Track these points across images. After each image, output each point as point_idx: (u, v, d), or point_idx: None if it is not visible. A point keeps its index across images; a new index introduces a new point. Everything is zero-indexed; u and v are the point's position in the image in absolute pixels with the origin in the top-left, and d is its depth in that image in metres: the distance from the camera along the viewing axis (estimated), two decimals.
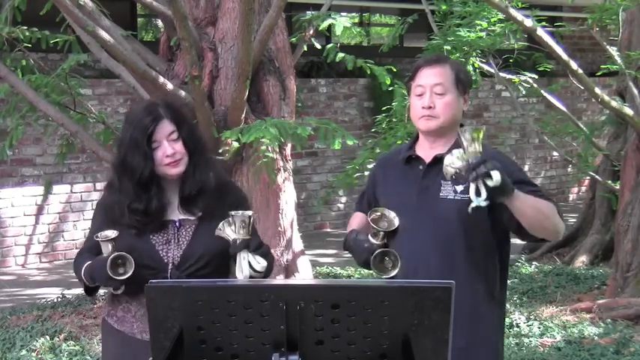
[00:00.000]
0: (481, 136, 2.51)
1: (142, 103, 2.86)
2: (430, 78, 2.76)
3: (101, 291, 6.62)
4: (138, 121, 2.74)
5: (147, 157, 2.69)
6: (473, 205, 2.51)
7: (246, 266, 2.61)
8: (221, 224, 2.64)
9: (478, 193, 2.48)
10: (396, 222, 2.74)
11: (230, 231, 2.62)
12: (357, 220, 3.00)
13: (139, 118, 2.75)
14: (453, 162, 2.53)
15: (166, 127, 2.72)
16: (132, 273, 2.64)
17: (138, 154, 2.69)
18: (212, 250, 2.73)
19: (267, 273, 2.74)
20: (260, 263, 2.62)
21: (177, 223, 2.77)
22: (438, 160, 2.77)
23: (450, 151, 2.78)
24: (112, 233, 2.65)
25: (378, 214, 2.74)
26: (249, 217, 2.61)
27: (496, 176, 2.45)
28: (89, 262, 2.73)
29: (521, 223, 2.63)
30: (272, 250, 5.12)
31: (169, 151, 2.71)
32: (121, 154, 2.76)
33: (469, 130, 2.51)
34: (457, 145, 2.80)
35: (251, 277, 2.62)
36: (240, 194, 2.95)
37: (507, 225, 2.71)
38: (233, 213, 2.62)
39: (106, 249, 2.65)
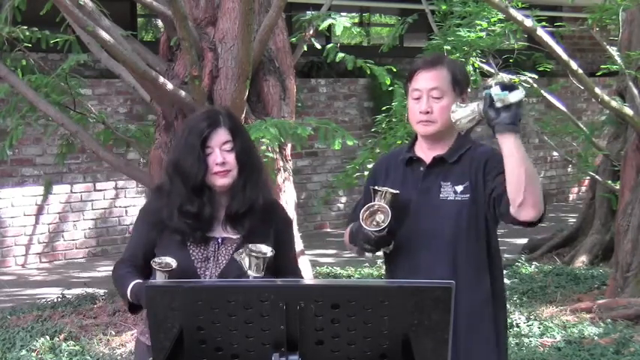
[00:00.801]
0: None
1: (203, 109, 2.80)
2: (427, 82, 2.74)
3: (100, 291, 6.63)
4: (195, 124, 2.70)
5: (200, 160, 2.64)
6: (496, 93, 2.51)
7: None
8: (241, 252, 2.58)
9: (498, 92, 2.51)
10: (390, 193, 2.66)
11: (247, 263, 2.57)
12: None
13: (197, 121, 2.71)
14: (464, 113, 2.58)
15: (222, 136, 2.66)
16: None
17: (192, 158, 2.64)
18: None
19: None
20: None
21: (219, 241, 2.70)
22: (438, 161, 2.77)
23: (450, 151, 2.79)
24: (172, 263, 2.57)
25: (367, 212, 2.65)
26: (264, 257, 2.55)
27: (520, 93, 2.50)
28: (138, 281, 2.64)
29: (507, 177, 2.56)
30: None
31: (219, 159, 2.64)
32: (175, 157, 2.71)
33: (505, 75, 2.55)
34: (457, 145, 2.80)
35: None
36: (285, 217, 2.87)
37: (496, 204, 2.65)
38: (250, 247, 2.56)
39: (161, 277, 2.56)
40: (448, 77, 2.76)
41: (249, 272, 2.55)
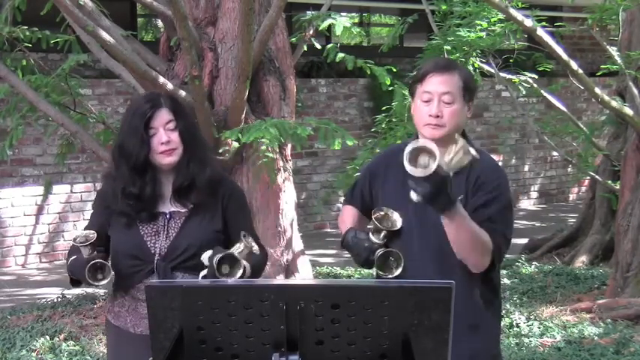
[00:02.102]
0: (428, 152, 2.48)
1: (144, 93, 2.90)
2: (439, 86, 2.73)
3: (100, 291, 6.61)
4: (137, 107, 2.80)
5: (143, 141, 2.73)
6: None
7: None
8: (205, 255, 2.65)
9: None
10: (399, 223, 2.73)
11: (205, 259, 2.65)
12: (348, 214, 2.97)
13: (139, 104, 2.80)
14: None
15: (164, 116, 2.76)
16: (115, 270, 2.66)
17: (135, 139, 2.73)
18: (199, 242, 2.75)
19: (255, 270, 2.76)
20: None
21: (167, 215, 2.80)
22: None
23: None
24: (90, 234, 2.66)
25: (382, 213, 2.73)
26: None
27: (414, 197, 2.46)
28: (74, 256, 2.76)
29: (453, 246, 2.62)
30: (272, 250, 5.16)
31: (164, 138, 2.74)
32: (119, 139, 2.81)
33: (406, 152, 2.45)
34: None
35: None
36: (234, 190, 2.94)
37: None
38: (213, 257, 2.61)
39: (85, 252, 2.66)
40: (460, 83, 2.75)
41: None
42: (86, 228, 2.88)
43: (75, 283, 2.83)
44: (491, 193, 2.69)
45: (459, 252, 2.64)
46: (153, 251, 2.76)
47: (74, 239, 2.68)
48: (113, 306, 2.89)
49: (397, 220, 2.73)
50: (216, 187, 2.83)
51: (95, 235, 2.66)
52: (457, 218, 2.54)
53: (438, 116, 2.72)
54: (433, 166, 2.39)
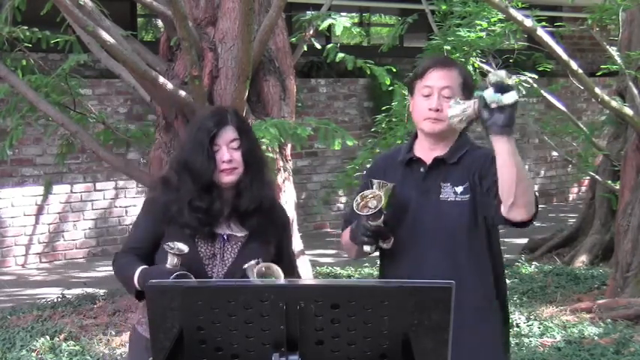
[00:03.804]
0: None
1: (211, 108, 2.84)
2: (439, 80, 2.75)
3: (100, 291, 6.61)
4: (203, 122, 2.74)
5: (210, 158, 2.67)
6: (489, 98, 2.46)
7: None
8: (252, 263, 2.61)
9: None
10: (389, 184, 2.68)
11: (251, 276, 2.60)
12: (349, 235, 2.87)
13: (205, 120, 2.74)
14: (458, 106, 2.56)
15: (229, 134, 2.70)
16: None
17: (202, 155, 2.67)
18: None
19: None
20: None
21: (224, 237, 2.73)
22: (438, 162, 2.77)
23: (450, 152, 2.79)
24: (184, 248, 2.59)
25: (361, 201, 2.66)
26: (271, 276, 2.58)
27: (513, 77, 2.46)
28: (144, 266, 2.66)
29: (500, 178, 2.54)
30: None
31: (227, 157, 2.68)
32: (184, 153, 2.74)
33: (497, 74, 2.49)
34: (457, 146, 2.80)
35: None
36: (285, 216, 2.91)
37: (491, 206, 2.65)
38: (260, 266, 2.59)
39: (172, 261, 2.58)
40: (459, 79, 2.77)
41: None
42: (135, 234, 2.81)
43: (141, 295, 2.67)
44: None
45: (513, 188, 2.52)
46: (210, 275, 2.69)
47: (167, 245, 2.58)
48: (145, 317, 2.81)
49: (382, 187, 2.67)
50: (272, 213, 2.77)
51: (188, 249, 2.59)
52: (513, 141, 2.51)
53: (437, 110, 2.73)
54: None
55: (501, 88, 2.46)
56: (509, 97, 2.46)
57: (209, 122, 2.71)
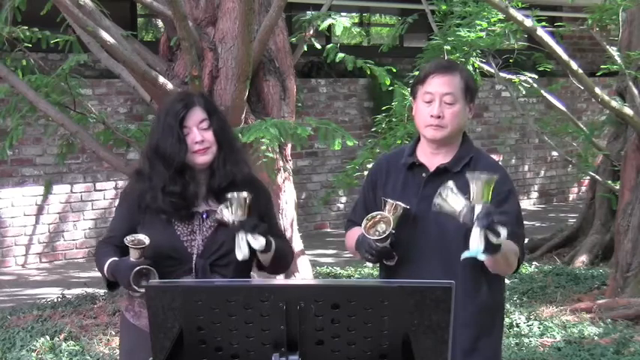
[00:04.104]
0: (492, 187, 2.48)
1: (176, 92, 2.90)
2: (441, 87, 2.73)
3: (100, 291, 6.60)
4: (170, 106, 2.78)
5: (180, 140, 2.71)
6: (467, 254, 2.47)
7: (244, 245, 2.63)
8: (219, 208, 2.67)
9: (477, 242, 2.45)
10: (401, 207, 2.67)
11: (228, 213, 2.65)
12: (355, 235, 2.86)
13: (172, 104, 2.79)
14: (447, 200, 2.52)
15: (198, 114, 2.75)
16: (155, 266, 2.64)
17: (172, 139, 2.71)
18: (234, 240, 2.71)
19: (280, 253, 2.78)
20: (258, 241, 2.62)
21: (204, 215, 2.78)
22: (442, 171, 2.75)
23: (454, 160, 2.76)
24: (145, 240, 2.64)
25: (369, 222, 2.67)
26: (245, 198, 2.64)
27: (503, 233, 2.42)
28: (114, 259, 2.72)
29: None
30: None
31: (198, 137, 2.73)
32: (154, 140, 2.78)
33: (482, 179, 2.46)
34: (461, 154, 2.78)
35: (254, 255, 2.67)
36: (265, 190, 2.96)
37: None
38: (229, 195, 2.64)
39: (134, 254, 2.63)
40: (461, 84, 2.75)
41: (232, 218, 2.63)
42: (113, 224, 2.86)
43: (111, 286, 2.78)
44: (500, 195, 2.65)
45: (495, 270, 2.67)
46: (190, 250, 2.75)
47: (126, 239, 2.64)
48: (134, 305, 2.86)
49: (392, 211, 2.67)
50: (250, 187, 2.81)
51: (149, 240, 2.64)
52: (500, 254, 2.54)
53: (439, 117, 2.71)
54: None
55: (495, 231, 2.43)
56: (502, 237, 2.44)
57: (177, 105, 2.75)
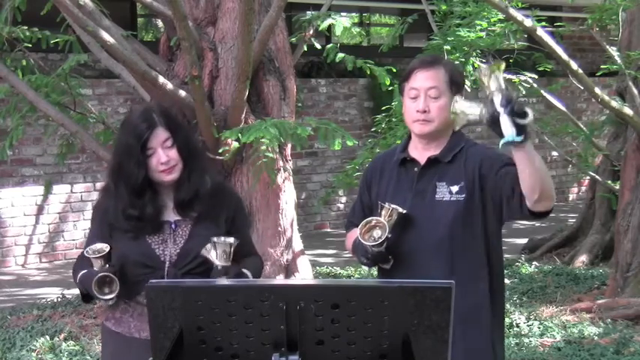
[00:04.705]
0: (502, 68, 2.46)
1: (137, 110, 2.90)
2: (425, 81, 2.75)
3: None
4: (133, 127, 2.77)
5: (140, 164, 2.72)
6: (504, 141, 2.45)
7: None
8: (207, 246, 2.69)
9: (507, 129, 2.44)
10: (398, 212, 2.68)
11: (213, 256, 2.68)
12: (353, 237, 2.87)
13: (134, 124, 2.77)
14: (466, 109, 2.50)
15: (161, 135, 2.74)
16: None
17: (131, 161, 2.72)
18: None
19: (256, 276, 2.83)
20: None
21: (173, 225, 2.80)
22: (432, 162, 2.77)
23: (444, 151, 2.78)
24: (104, 247, 2.68)
25: (364, 227, 2.68)
26: (230, 244, 2.67)
27: (529, 113, 2.44)
28: (84, 271, 2.76)
29: (522, 180, 2.55)
30: (272, 250, 5.17)
31: (164, 158, 2.73)
32: (116, 159, 2.80)
33: (488, 68, 2.45)
34: (451, 145, 2.79)
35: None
36: (234, 196, 2.99)
37: (509, 204, 2.65)
38: (215, 240, 2.67)
39: (97, 264, 2.68)
40: (445, 77, 2.76)
41: (217, 263, 2.66)
42: (87, 242, 2.87)
43: (86, 297, 2.82)
44: (502, 156, 2.68)
45: (537, 187, 2.54)
46: (162, 259, 2.76)
47: (86, 251, 2.68)
48: (114, 313, 2.87)
49: (387, 218, 2.68)
50: (218, 195, 2.84)
51: (109, 248, 2.67)
52: (529, 146, 2.51)
53: (425, 111, 2.73)
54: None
55: (517, 113, 2.43)
56: (528, 119, 2.45)
57: (139, 127, 2.74)
